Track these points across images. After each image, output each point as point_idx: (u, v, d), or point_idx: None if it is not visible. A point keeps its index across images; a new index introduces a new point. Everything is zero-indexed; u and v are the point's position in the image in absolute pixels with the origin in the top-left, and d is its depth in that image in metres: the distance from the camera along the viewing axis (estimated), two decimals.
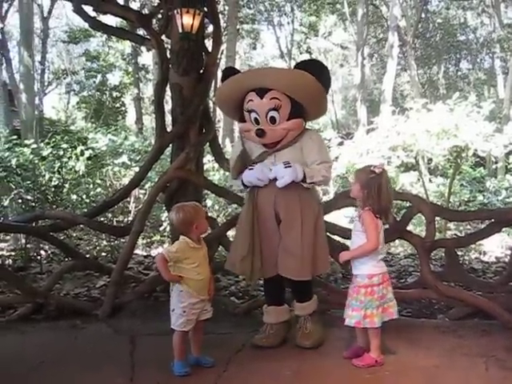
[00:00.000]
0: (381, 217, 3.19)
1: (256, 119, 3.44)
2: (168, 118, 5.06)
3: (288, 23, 25.83)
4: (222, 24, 17.89)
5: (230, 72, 3.69)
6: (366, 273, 3.20)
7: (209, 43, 5.22)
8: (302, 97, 3.42)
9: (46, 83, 21.79)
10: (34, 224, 5.25)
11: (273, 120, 3.40)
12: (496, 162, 11.98)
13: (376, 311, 3.16)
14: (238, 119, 3.61)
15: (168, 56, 4.95)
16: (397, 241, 7.85)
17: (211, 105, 19.45)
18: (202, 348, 3.29)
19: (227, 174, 8.93)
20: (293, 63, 26.64)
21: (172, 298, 3.17)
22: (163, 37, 5.15)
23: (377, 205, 3.13)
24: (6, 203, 7.08)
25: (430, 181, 11.19)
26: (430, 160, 9.18)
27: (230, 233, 4.81)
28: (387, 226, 3.50)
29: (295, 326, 3.64)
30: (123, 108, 22.76)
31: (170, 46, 5.03)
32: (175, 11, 4.63)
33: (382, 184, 3.13)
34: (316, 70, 3.40)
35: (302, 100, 3.43)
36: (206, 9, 4.84)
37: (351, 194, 3.34)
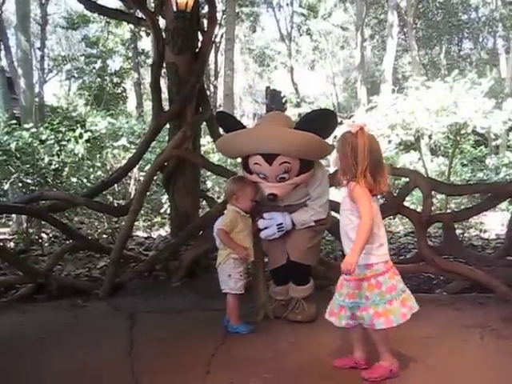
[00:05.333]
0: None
1: (264, 177, 3.40)
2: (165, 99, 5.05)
3: (287, 5, 25.62)
4: (221, 7, 17.81)
5: (223, 118, 3.68)
6: (364, 262, 2.61)
7: (205, 23, 5.21)
8: (310, 156, 3.41)
9: (46, 70, 21.67)
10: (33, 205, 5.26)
11: (282, 179, 3.38)
12: (496, 139, 11.89)
13: (389, 306, 2.61)
14: (242, 166, 3.55)
15: (164, 36, 4.93)
16: (397, 219, 7.90)
17: (212, 88, 19.49)
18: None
19: None
20: (293, 46, 26.45)
21: (225, 266, 3.41)
22: (159, 17, 5.13)
23: (356, 170, 2.57)
24: (6, 187, 7.11)
25: (432, 161, 11.14)
26: (430, 137, 9.15)
27: None
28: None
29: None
30: (124, 93, 22.64)
31: (165, 26, 5.01)
32: None
33: (358, 144, 2.56)
34: (320, 128, 3.29)
35: (310, 158, 3.42)
36: None
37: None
